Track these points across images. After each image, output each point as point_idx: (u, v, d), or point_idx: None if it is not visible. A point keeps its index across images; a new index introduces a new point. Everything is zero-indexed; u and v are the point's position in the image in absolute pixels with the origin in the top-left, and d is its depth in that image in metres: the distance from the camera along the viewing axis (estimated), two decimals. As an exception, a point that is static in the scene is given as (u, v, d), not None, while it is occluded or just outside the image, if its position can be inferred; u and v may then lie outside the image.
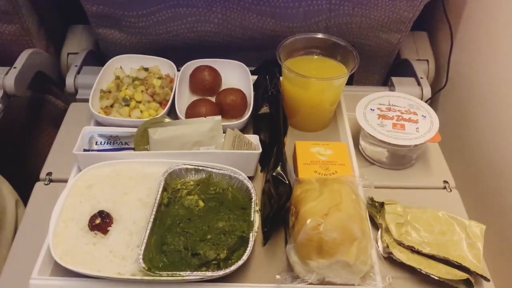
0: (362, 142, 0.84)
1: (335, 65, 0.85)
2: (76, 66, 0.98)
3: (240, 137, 0.78)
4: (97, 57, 1.07)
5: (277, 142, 0.74)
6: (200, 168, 0.72)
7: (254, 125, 0.85)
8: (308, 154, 0.78)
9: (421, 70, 1.02)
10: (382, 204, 0.73)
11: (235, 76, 0.92)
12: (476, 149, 0.93)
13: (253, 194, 0.69)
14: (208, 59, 0.92)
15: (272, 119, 0.80)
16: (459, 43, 0.98)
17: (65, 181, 0.74)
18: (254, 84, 0.89)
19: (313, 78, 0.79)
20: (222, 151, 0.75)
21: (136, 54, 0.94)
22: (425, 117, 0.81)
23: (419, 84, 0.98)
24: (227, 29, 0.95)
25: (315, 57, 0.86)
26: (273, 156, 0.72)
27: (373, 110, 0.82)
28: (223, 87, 0.91)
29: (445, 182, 0.81)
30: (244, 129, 0.83)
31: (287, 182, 0.67)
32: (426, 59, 1.11)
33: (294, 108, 0.85)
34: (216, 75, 0.90)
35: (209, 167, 0.72)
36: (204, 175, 0.72)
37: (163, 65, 0.93)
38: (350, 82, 1.06)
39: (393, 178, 0.81)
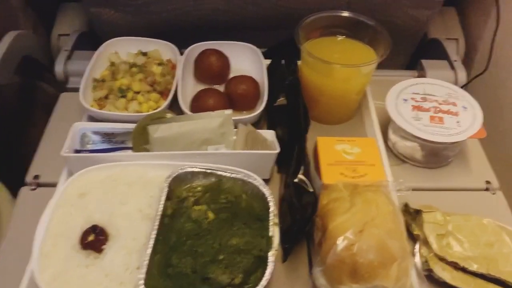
0: (392, 136, 0.74)
1: (362, 48, 0.74)
2: (66, 50, 0.88)
3: (254, 133, 0.68)
4: (91, 39, 0.96)
5: (297, 140, 0.64)
6: (209, 171, 0.62)
7: (269, 119, 0.74)
8: (333, 152, 0.68)
9: (453, 52, 0.91)
10: (418, 212, 0.63)
11: (246, 61, 0.81)
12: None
13: (270, 203, 0.59)
14: (215, 42, 0.81)
15: (290, 112, 0.70)
16: (503, 21, 0.86)
17: (55, 185, 0.65)
18: (268, 70, 0.78)
19: (337, 65, 0.68)
20: (234, 151, 0.65)
21: (134, 36, 0.83)
22: (466, 108, 0.71)
23: (452, 67, 0.87)
24: (237, 5, 0.83)
25: (339, 38, 0.75)
26: (293, 157, 0.62)
27: (407, 100, 0.72)
28: (232, 74, 0.80)
29: (488, 182, 0.71)
30: (257, 124, 0.73)
31: (312, 190, 0.57)
32: (455, 38, 1.00)
33: (314, 98, 0.75)
34: (224, 60, 0.79)
35: (220, 170, 0.62)
36: (213, 180, 0.62)
37: (164, 49, 0.82)
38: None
39: (428, 178, 0.71)
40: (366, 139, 0.71)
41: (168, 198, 0.60)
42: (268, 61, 0.80)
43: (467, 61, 0.98)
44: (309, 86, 0.74)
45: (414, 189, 0.68)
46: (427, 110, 0.70)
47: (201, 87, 0.78)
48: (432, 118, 0.69)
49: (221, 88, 0.78)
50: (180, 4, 0.84)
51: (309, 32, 0.73)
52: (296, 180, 0.58)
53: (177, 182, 0.62)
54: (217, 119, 0.66)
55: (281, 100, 0.72)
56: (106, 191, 0.61)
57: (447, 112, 0.70)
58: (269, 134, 0.69)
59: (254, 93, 0.74)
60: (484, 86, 0.90)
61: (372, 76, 0.81)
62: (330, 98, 0.74)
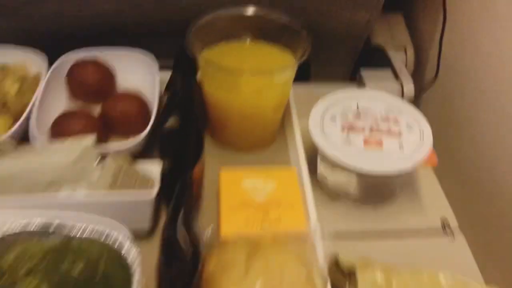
0: (321, 167, 0.57)
1: (277, 53, 0.57)
2: None
3: (128, 169, 0.50)
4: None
5: (180, 176, 0.46)
6: (51, 223, 0.44)
7: (160, 147, 0.56)
8: (238, 191, 0.50)
9: (398, 60, 0.76)
10: (352, 273, 0.46)
11: (138, 73, 0.63)
12: (481, 168, 0.68)
13: (135, 273, 0.41)
14: (94, 48, 0.63)
15: (181, 138, 0.52)
16: (451, 24, 0.72)
17: None
18: (167, 85, 0.60)
19: (243, 73, 0.51)
20: (87, 198, 0.47)
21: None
22: (411, 127, 0.55)
23: (397, 77, 0.72)
24: (132, 4, 0.66)
25: (248, 43, 0.59)
26: (171, 202, 0.44)
27: (335, 119, 0.55)
28: (122, 89, 0.62)
29: (444, 221, 0.55)
30: (146, 154, 0.55)
31: (185, 254, 0.39)
32: (402, 46, 0.86)
33: (221, 118, 0.58)
34: (105, 73, 0.61)
35: (69, 223, 0.44)
36: (58, 239, 0.44)
37: (34, 60, 0.63)
38: (306, 77, 0.79)
39: (367, 219, 0.55)
40: (285, 170, 0.54)
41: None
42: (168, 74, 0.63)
43: (418, 73, 0.84)
44: (214, 104, 0.57)
45: (348, 235, 0.52)
46: (361, 130, 0.54)
47: (76, 106, 0.60)
48: (367, 141, 0.53)
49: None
50: (58, 5, 0.66)
51: (206, 37, 0.56)
52: (165, 238, 0.40)
53: (5, 243, 0.43)
54: (72, 151, 0.48)
55: (173, 122, 0.54)
56: None
57: (387, 132, 0.54)
58: (154, 168, 0.51)
59: (138, 115, 0.56)
60: (435, 101, 0.75)
61: (303, 90, 0.64)
62: (240, 117, 0.57)
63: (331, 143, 0.52)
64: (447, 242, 0.54)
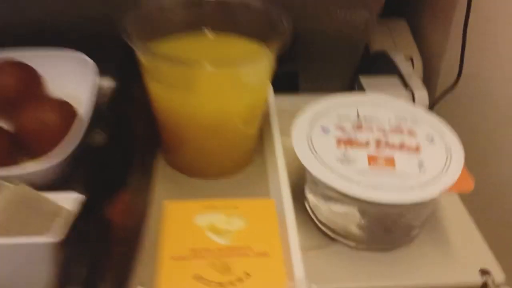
0: (310, 197, 0.42)
1: (249, 46, 0.43)
2: None
3: (31, 201, 0.35)
4: None
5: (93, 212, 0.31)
6: None
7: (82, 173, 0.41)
8: (190, 231, 0.35)
9: (406, 66, 0.62)
10: None
11: (71, 79, 0.49)
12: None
13: None
14: (17, 48, 0.49)
15: (113, 159, 0.37)
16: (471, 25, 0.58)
17: None
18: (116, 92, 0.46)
19: (203, 66, 0.37)
20: None
21: None
22: (433, 140, 0.40)
23: (406, 85, 0.58)
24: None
25: (209, 35, 0.44)
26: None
27: (328, 130, 0.40)
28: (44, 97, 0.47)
29: (485, 273, 0.39)
30: (65, 183, 0.40)
31: None
32: (408, 56, 0.72)
33: (175, 133, 0.43)
34: (26, 77, 0.46)
35: None
36: None
37: None
38: (293, 89, 0.65)
39: (375, 270, 0.39)
40: (259, 203, 0.38)
41: None
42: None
43: (427, 85, 0.70)
44: (165, 114, 0.42)
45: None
46: (365, 145, 0.39)
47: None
48: (373, 159, 0.38)
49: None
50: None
51: (152, 28, 0.42)
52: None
53: None
54: None
55: (100, 138, 0.39)
56: None
57: (400, 146, 0.39)
58: (69, 203, 0.36)
59: (60, 129, 0.41)
60: (453, 113, 0.60)
61: (288, 102, 0.50)
62: (200, 131, 0.42)
63: (324, 163, 0.37)
64: (491, 302, 0.38)
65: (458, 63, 0.59)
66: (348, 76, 0.72)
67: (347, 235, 0.40)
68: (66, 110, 0.42)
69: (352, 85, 0.71)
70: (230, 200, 0.38)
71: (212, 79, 0.39)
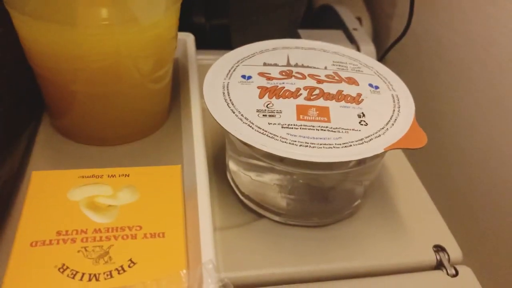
0: (230, 163, 0.34)
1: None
2: None
3: None
4: None
5: None
6: None
7: None
8: (61, 207, 0.26)
9: (351, 19, 0.55)
10: None
11: None
12: (469, 159, 0.47)
13: None
14: None
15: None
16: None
17: None
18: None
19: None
20: None
21: None
22: (379, 89, 0.33)
23: (352, 40, 0.50)
24: None
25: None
26: None
27: (249, 77, 0.32)
28: None
29: (439, 249, 0.32)
30: None
31: None
32: (357, 17, 0.65)
33: (55, 85, 0.33)
34: None
35: None
36: None
37: None
38: (227, 44, 0.56)
39: (311, 251, 0.31)
40: (159, 169, 0.30)
41: None
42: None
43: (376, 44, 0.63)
44: (37, 58, 0.32)
45: (275, 280, 0.29)
46: (293, 94, 0.31)
47: None
48: (302, 110, 0.30)
49: None
50: None
51: None
52: None
53: None
54: None
55: None
56: None
57: (338, 96, 0.31)
58: None
59: None
60: (401, 69, 0.53)
61: (213, 59, 0.41)
62: (87, 81, 0.33)
63: (242, 117, 0.29)
64: (445, 283, 0.31)
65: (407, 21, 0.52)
66: (288, 32, 0.64)
67: (274, 209, 0.32)
68: None
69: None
70: (119, 168, 0.29)
71: (94, 7, 0.30)
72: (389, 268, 0.31)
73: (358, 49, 0.48)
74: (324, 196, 0.31)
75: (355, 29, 0.51)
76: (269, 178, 0.30)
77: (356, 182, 0.31)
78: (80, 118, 0.35)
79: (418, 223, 0.34)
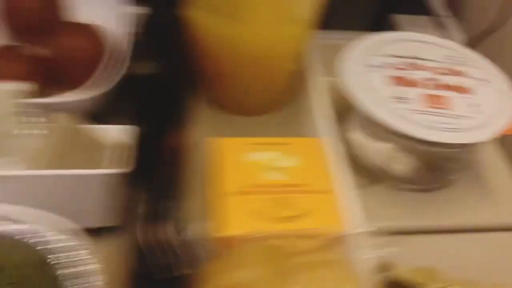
0: (353, 134, 0.41)
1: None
2: None
3: (79, 134, 0.33)
4: None
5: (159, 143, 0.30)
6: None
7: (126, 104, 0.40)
8: (245, 168, 0.34)
9: (439, 4, 0.60)
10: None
11: (98, 3, 0.46)
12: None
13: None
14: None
15: (162, 89, 0.35)
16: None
17: None
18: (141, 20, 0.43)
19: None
20: (21, 172, 0.30)
21: None
22: (486, 82, 0.39)
23: (441, 26, 0.56)
24: None
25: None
26: (145, 182, 0.28)
27: (380, 67, 0.39)
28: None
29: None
30: (107, 115, 0.37)
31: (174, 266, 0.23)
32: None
33: (214, 65, 0.41)
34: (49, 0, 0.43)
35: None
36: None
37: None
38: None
39: (419, 212, 0.39)
40: (307, 140, 0.38)
41: None
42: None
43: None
44: (207, 43, 0.40)
45: (394, 232, 0.37)
46: (418, 84, 0.38)
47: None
48: (426, 98, 0.37)
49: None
50: None
51: None
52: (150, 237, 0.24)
53: None
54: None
55: (145, 67, 0.37)
56: None
57: (454, 87, 0.38)
58: (119, 133, 0.35)
59: (93, 56, 0.39)
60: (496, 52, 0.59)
61: (321, 40, 0.48)
62: (242, 63, 0.40)
63: (377, 100, 0.36)
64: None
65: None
66: (373, 11, 0.69)
67: (389, 175, 0.40)
68: (96, 36, 0.40)
69: (376, 22, 0.68)
70: (279, 138, 0.37)
71: (262, 6, 0.37)
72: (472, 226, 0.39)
73: (449, 35, 0.54)
74: (436, 167, 0.39)
75: (446, 16, 0.56)
76: (393, 149, 0.38)
77: (463, 158, 0.39)
78: (230, 92, 0.42)
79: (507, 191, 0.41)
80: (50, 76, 0.38)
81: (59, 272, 0.27)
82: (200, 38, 0.40)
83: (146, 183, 0.29)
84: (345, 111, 0.42)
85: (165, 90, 0.34)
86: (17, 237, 0.27)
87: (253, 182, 0.33)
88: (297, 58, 0.42)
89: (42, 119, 0.33)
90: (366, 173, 0.41)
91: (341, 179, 0.35)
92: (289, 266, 0.26)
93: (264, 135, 0.38)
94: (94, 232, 0.29)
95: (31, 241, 0.27)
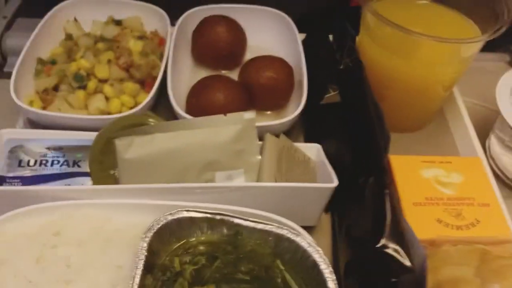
0: (497, 149, 0.48)
1: (457, 19, 0.47)
2: (5, 17, 0.60)
3: (290, 151, 0.42)
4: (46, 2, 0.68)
5: (369, 165, 0.38)
6: (219, 217, 0.36)
7: (308, 125, 0.48)
8: (418, 182, 0.42)
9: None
10: None
11: (271, 34, 0.54)
12: None
13: (329, 281, 0.33)
14: (223, 5, 0.54)
15: (348, 115, 0.44)
16: None
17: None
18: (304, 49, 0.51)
19: (428, 38, 0.42)
20: (265, 184, 0.39)
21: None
22: None
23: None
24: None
25: (420, 2, 0.48)
26: (366, 199, 0.36)
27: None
28: (250, 54, 0.53)
29: None
30: (287, 134, 0.46)
31: (409, 264, 0.32)
32: None
33: (378, 90, 0.49)
34: (238, 33, 0.52)
35: (236, 217, 0.36)
36: (226, 233, 0.37)
37: (148, 16, 0.55)
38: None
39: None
40: (468, 159, 0.45)
41: (147, 268, 0.34)
42: (303, 36, 0.53)
43: None
44: (372, 72, 0.47)
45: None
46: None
47: (203, 74, 0.51)
48: None
49: (232, 75, 0.51)
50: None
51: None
52: (380, 245, 0.32)
53: (164, 237, 0.36)
54: (231, 127, 0.40)
55: (331, 96, 0.45)
56: (40, 257, 0.35)
57: None
58: (313, 151, 0.43)
59: (287, 84, 0.48)
60: None
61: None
62: (403, 91, 0.48)
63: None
64: None
65: None
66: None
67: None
68: (287, 67, 0.48)
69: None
70: (443, 156, 0.44)
71: (431, 49, 0.44)
72: None
73: None
74: None
75: None
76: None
77: None
78: (392, 112, 0.50)
79: None
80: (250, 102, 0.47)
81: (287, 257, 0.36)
82: (369, 68, 0.47)
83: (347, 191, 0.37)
84: (485, 131, 0.49)
85: (355, 115, 0.42)
86: (269, 233, 0.36)
87: (426, 195, 0.41)
88: (451, 87, 0.49)
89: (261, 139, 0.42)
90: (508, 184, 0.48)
91: (497, 192, 0.42)
92: (489, 269, 0.33)
93: (416, 151, 0.46)
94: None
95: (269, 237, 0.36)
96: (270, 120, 0.45)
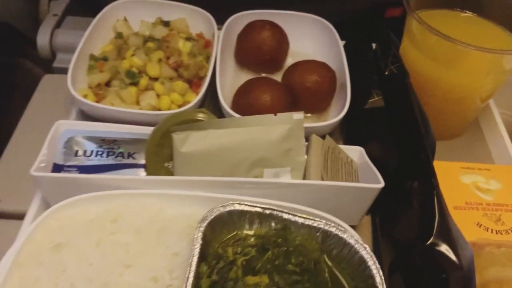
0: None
1: (500, 33, 0.49)
2: (55, 15, 0.63)
3: (335, 152, 0.43)
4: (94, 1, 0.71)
5: (415, 168, 0.39)
6: (268, 211, 0.38)
7: (350, 128, 0.50)
8: (459, 187, 0.43)
9: None
10: None
11: (312, 40, 0.56)
12: None
13: (376, 277, 0.35)
14: (269, 11, 0.56)
15: (392, 119, 0.45)
16: None
17: (22, 217, 0.41)
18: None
19: (472, 48, 0.43)
20: (313, 181, 0.41)
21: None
22: None
23: None
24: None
25: (463, 14, 0.50)
26: (411, 201, 0.38)
27: None
28: (291, 59, 0.55)
29: None
30: (332, 136, 0.48)
31: (458, 262, 0.33)
32: None
33: (420, 97, 0.50)
34: (282, 38, 0.54)
35: (285, 212, 0.38)
36: (274, 226, 0.38)
37: (194, 18, 0.57)
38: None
39: None
40: (507, 167, 0.46)
41: (201, 256, 0.35)
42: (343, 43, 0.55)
43: None
44: (415, 79, 0.49)
45: None
46: None
47: (245, 76, 0.53)
48: None
49: (276, 78, 0.53)
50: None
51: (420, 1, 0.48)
52: (431, 244, 0.33)
53: (217, 228, 0.37)
54: (280, 127, 0.41)
55: (375, 101, 0.47)
56: (99, 242, 0.37)
57: None
58: (355, 153, 0.45)
59: (330, 89, 0.49)
60: None
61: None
62: (444, 99, 0.49)
63: None
64: None
65: None
66: None
67: None
68: (330, 72, 0.50)
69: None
70: (482, 164, 0.46)
71: (475, 59, 0.45)
72: None
73: None
74: None
75: None
76: None
77: None
78: (431, 119, 0.51)
79: None
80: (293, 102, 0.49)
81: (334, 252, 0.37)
82: (416, 75, 0.49)
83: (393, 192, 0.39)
84: None
85: (399, 120, 0.44)
86: (317, 229, 0.37)
87: (466, 199, 0.42)
88: (489, 98, 0.50)
89: (307, 139, 0.43)
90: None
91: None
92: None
93: (449, 155, 0.48)
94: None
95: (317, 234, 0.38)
96: (311, 122, 0.47)
